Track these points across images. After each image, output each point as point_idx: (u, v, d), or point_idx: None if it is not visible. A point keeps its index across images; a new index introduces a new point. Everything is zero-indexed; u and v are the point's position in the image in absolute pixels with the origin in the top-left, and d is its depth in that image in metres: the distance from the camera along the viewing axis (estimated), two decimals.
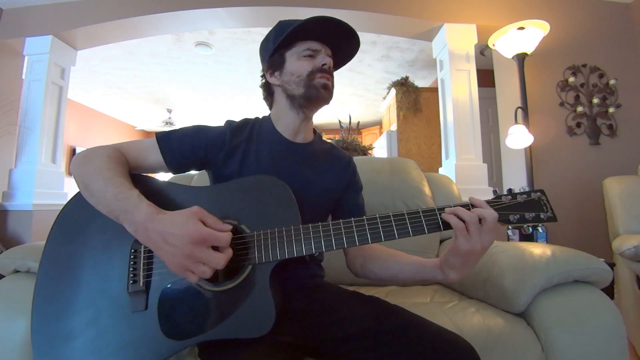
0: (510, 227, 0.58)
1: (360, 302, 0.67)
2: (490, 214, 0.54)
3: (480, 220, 0.54)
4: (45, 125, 2.13)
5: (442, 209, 0.57)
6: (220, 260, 0.51)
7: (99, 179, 0.57)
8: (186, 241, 0.50)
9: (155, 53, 3.24)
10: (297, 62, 0.71)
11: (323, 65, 0.70)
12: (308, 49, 0.70)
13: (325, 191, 0.76)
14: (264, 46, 0.76)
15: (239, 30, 2.77)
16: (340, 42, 0.73)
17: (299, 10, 2.06)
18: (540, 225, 0.57)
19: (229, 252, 0.52)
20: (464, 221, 0.54)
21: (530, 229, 0.58)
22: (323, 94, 0.70)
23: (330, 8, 2.05)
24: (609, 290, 1.39)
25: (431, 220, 0.57)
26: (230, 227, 0.55)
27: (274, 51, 0.72)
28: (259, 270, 0.56)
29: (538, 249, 0.80)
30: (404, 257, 0.71)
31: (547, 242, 1.72)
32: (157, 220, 0.52)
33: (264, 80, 0.78)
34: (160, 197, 0.62)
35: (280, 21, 0.73)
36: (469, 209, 0.56)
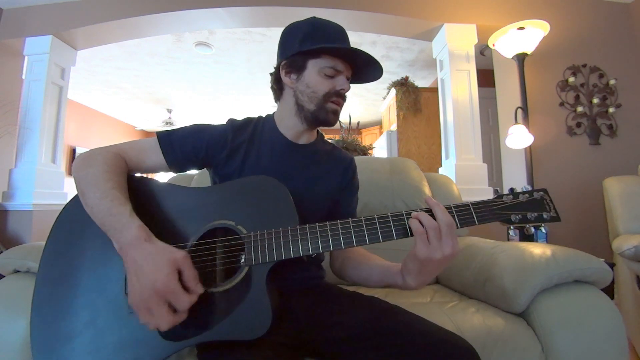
0: (512, 227, 0.57)
1: (360, 303, 0.67)
2: (443, 219, 0.53)
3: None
4: (45, 125, 2.13)
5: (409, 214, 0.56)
6: (164, 323, 0.48)
7: (95, 190, 0.56)
8: (149, 285, 0.48)
9: (155, 53, 3.24)
10: (317, 77, 0.68)
11: (341, 89, 0.69)
12: (333, 67, 0.68)
13: (326, 192, 0.76)
14: (289, 41, 0.71)
15: (239, 30, 2.77)
16: (363, 68, 0.72)
17: (299, 10, 2.06)
18: (543, 225, 0.56)
19: (180, 317, 0.50)
20: (423, 226, 0.53)
21: (533, 229, 0.56)
22: (331, 119, 0.70)
23: (331, 8, 2.05)
24: (609, 290, 1.39)
25: (399, 225, 0.56)
26: (202, 291, 0.52)
27: (298, 52, 0.69)
28: (256, 271, 0.56)
29: (538, 249, 0.80)
30: (375, 261, 0.70)
31: (547, 242, 1.72)
32: (140, 248, 0.51)
33: (276, 72, 0.75)
34: (159, 200, 0.62)
35: (314, 19, 0.71)
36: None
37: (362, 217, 0.57)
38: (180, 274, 0.51)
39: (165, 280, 0.49)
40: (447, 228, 0.53)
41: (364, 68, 0.72)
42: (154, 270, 0.49)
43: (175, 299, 0.49)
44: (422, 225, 0.53)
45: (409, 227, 0.55)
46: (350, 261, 0.74)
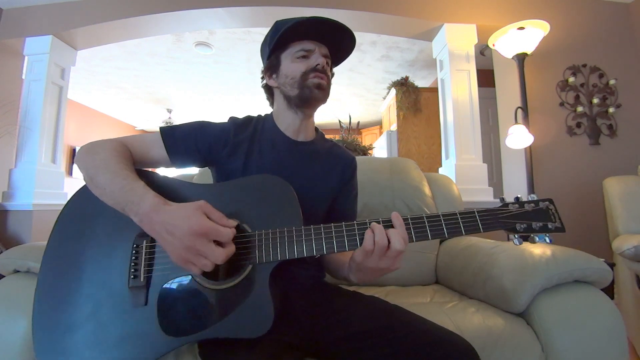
0: (516, 236, 0.57)
1: (360, 302, 0.67)
2: (395, 246, 0.53)
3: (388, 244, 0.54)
4: (45, 125, 2.13)
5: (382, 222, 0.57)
6: (220, 255, 0.51)
7: (105, 172, 0.58)
8: (188, 233, 0.50)
9: (155, 53, 3.24)
10: (291, 65, 0.71)
11: (316, 65, 0.70)
12: (302, 49, 0.70)
13: (327, 190, 0.76)
14: (263, 48, 0.77)
15: (239, 30, 2.77)
16: (336, 40, 0.73)
17: (299, 10, 2.06)
18: (547, 235, 0.56)
19: (231, 248, 0.53)
20: (373, 243, 0.54)
21: (537, 239, 0.56)
22: (317, 94, 0.70)
23: (331, 8, 2.05)
24: (609, 290, 1.39)
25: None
26: (235, 223, 0.55)
27: (270, 53, 0.73)
28: (259, 270, 0.56)
29: (538, 249, 0.80)
30: (343, 255, 0.72)
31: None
32: (162, 211, 0.53)
33: (264, 82, 0.79)
34: (164, 193, 0.62)
35: (276, 21, 0.73)
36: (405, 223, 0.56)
37: (367, 220, 0.57)
38: (208, 217, 0.53)
39: (201, 221, 0.51)
40: (395, 253, 0.54)
41: (338, 40, 0.72)
42: (184, 219, 0.51)
43: (218, 233, 0.51)
44: (373, 242, 0.54)
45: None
46: (331, 257, 0.77)
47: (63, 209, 0.63)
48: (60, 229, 0.61)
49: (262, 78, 0.79)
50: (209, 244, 0.51)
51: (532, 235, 0.57)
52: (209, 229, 0.51)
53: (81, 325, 0.54)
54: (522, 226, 0.57)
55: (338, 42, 0.73)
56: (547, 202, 0.58)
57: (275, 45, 0.71)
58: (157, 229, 0.52)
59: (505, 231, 0.57)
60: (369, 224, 0.57)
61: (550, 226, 0.56)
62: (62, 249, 0.60)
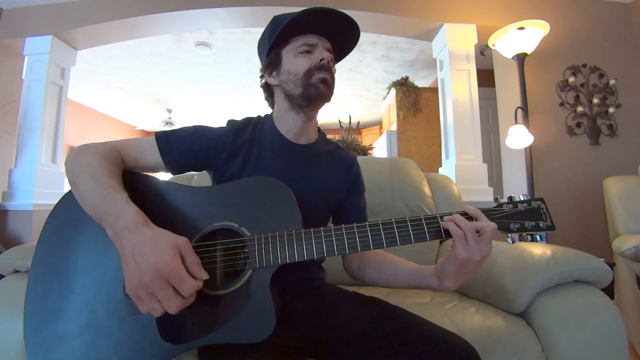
0: (510, 235, 0.59)
1: (361, 303, 0.67)
2: (489, 225, 0.54)
3: (478, 230, 0.54)
4: (45, 125, 2.13)
5: (442, 217, 0.57)
6: (174, 306, 0.46)
7: (88, 178, 0.54)
8: (152, 269, 0.46)
9: (155, 53, 3.24)
10: (293, 60, 0.68)
11: (321, 60, 0.66)
12: (304, 44, 0.67)
13: (328, 193, 0.75)
14: (261, 45, 0.74)
15: (239, 30, 2.77)
16: (339, 33, 0.69)
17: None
18: (539, 233, 0.58)
19: (188, 301, 0.48)
20: (462, 229, 0.54)
21: (529, 237, 0.59)
22: (322, 91, 0.67)
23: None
24: (609, 290, 1.39)
25: (433, 227, 0.57)
26: (206, 276, 0.50)
27: (270, 49, 0.70)
28: (259, 274, 0.55)
29: (538, 249, 0.80)
30: (400, 263, 0.69)
31: (547, 242, 1.71)
32: (138, 232, 0.49)
33: (263, 81, 0.76)
34: (160, 198, 0.61)
35: (274, 17, 0.71)
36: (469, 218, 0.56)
37: (367, 223, 0.58)
38: (182, 260, 0.49)
39: (170, 261, 0.47)
40: (491, 232, 0.54)
41: (341, 33, 0.70)
42: (156, 252, 0.47)
43: (180, 282, 0.47)
44: (460, 228, 0.54)
45: (443, 230, 0.56)
46: (370, 263, 0.72)
47: (50, 214, 0.60)
48: (49, 236, 0.59)
49: (261, 77, 0.76)
50: (167, 289, 0.46)
51: (524, 234, 0.59)
52: (174, 273, 0.46)
53: (76, 336, 0.52)
54: (515, 226, 0.58)
55: (341, 36, 0.70)
56: (538, 202, 0.60)
57: (276, 41, 0.68)
58: (126, 248, 0.48)
59: (500, 231, 0.58)
60: (368, 225, 0.57)
61: (542, 225, 0.58)
62: (52, 257, 0.57)
